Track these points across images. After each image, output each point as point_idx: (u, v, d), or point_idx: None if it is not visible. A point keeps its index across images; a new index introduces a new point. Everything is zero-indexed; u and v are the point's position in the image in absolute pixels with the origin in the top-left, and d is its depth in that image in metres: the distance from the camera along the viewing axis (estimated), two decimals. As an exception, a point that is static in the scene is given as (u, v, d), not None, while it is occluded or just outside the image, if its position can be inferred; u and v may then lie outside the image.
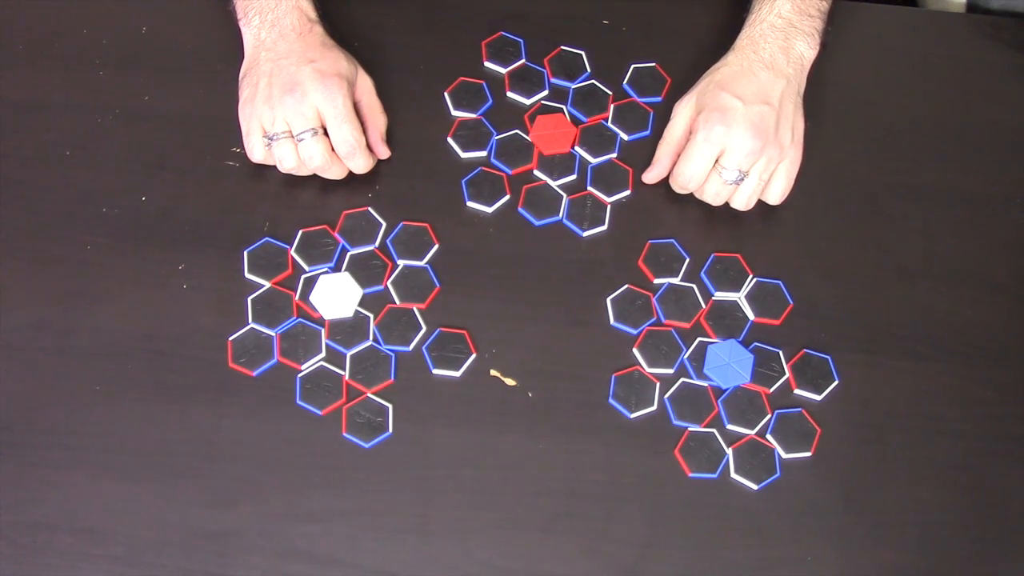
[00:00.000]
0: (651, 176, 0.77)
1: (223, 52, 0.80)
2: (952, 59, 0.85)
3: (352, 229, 0.74)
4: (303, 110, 0.72)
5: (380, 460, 0.68)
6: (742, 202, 0.75)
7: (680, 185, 0.75)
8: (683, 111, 0.76)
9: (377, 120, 0.76)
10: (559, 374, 0.71)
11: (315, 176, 0.75)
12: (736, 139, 0.72)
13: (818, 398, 0.71)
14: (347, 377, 0.69)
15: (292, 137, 0.73)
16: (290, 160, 0.73)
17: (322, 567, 0.64)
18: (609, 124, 0.79)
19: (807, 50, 0.76)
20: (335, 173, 0.74)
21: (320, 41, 0.75)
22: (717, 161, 0.73)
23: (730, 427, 0.70)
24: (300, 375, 0.69)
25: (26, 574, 0.64)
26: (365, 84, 0.76)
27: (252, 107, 0.74)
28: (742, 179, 0.73)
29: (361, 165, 0.74)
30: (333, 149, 0.73)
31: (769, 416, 0.70)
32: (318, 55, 0.74)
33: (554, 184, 0.77)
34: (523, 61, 0.81)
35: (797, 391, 0.71)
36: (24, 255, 0.73)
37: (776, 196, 0.75)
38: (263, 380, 0.69)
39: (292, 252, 0.73)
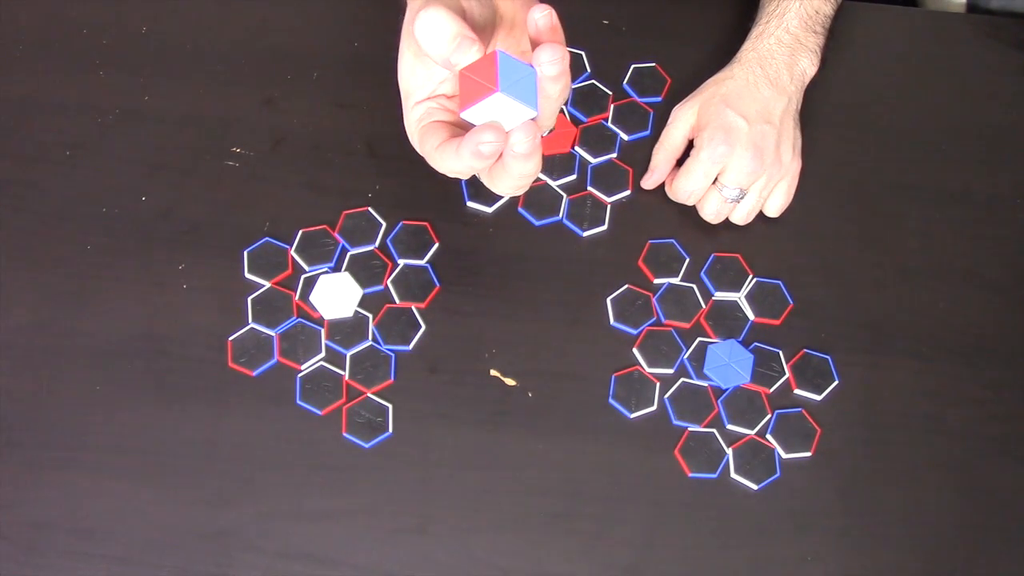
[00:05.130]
0: (650, 182, 0.77)
1: (223, 52, 0.80)
2: (952, 59, 0.85)
3: (352, 229, 0.74)
4: None
5: (380, 460, 0.68)
6: (741, 218, 0.75)
7: (679, 199, 0.75)
8: (683, 118, 0.76)
9: None
10: (559, 374, 0.71)
11: (314, 176, 0.75)
12: (738, 159, 0.72)
13: (818, 398, 0.71)
14: (347, 377, 0.69)
15: None
16: None
17: (322, 567, 0.64)
18: (609, 124, 0.79)
19: (809, 67, 0.76)
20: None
21: None
22: (717, 178, 0.73)
23: (730, 427, 0.70)
24: (300, 375, 0.69)
25: (26, 574, 0.64)
26: None
27: None
28: (742, 197, 0.74)
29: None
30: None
31: (769, 416, 0.70)
32: None
33: (554, 184, 0.77)
34: (523, 61, 0.81)
35: (797, 391, 0.71)
36: (24, 255, 0.73)
37: (774, 210, 0.76)
38: (263, 380, 0.69)
39: (292, 252, 0.73)
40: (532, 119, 0.51)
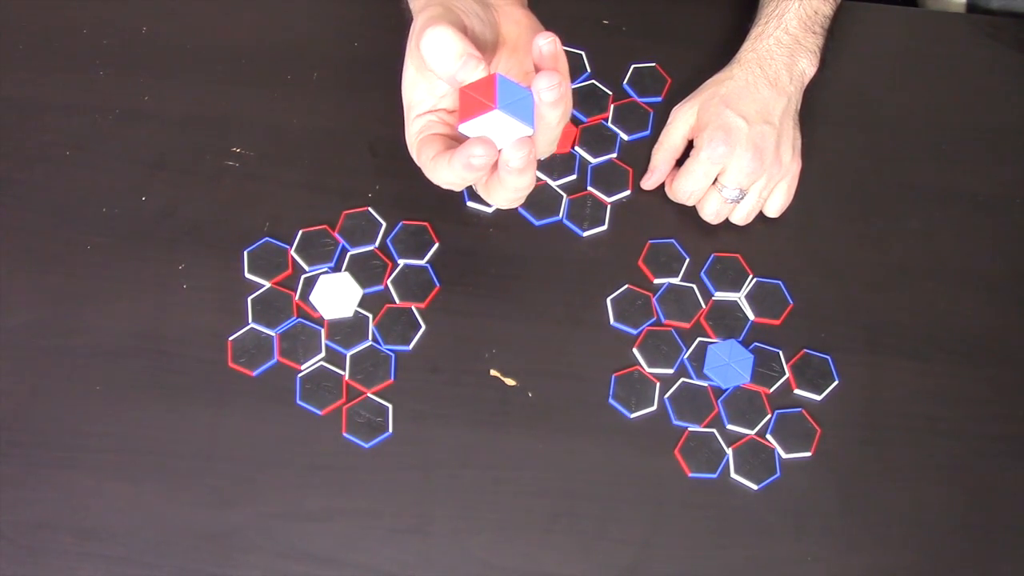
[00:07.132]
0: (650, 183, 0.77)
1: (223, 52, 0.80)
2: (952, 59, 0.85)
3: (352, 229, 0.74)
4: None
5: (380, 460, 0.68)
6: (740, 218, 0.75)
7: (679, 199, 0.75)
8: (682, 118, 0.76)
9: None
10: (559, 374, 0.71)
11: (314, 176, 0.75)
12: (738, 159, 0.72)
13: (818, 398, 0.71)
14: (347, 377, 0.69)
15: None
16: None
17: (322, 567, 0.65)
18: (609, 124, 0.79)
19: (808, 67, 0.76)
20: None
21: None
22: (716, 178, 0.74)
23: (730, 427, 0.70)
24: (300, 375, 0.69)
25: (26, 574, 0.64)
26: None
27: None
28: (742, 197, 0.74)
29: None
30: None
31: (769, 416, 0.70)
32: None
33: (554, 184, 0.77)
34: (523, 61, 0.81)
35: (797, 391, 0.71)
36: (24, 255, 0.73)
37: (774, 211, 0.76)
38: (263, 380, 0.69)
39: (292, 252, 0.73)
40: (528, 136, 0.52)
